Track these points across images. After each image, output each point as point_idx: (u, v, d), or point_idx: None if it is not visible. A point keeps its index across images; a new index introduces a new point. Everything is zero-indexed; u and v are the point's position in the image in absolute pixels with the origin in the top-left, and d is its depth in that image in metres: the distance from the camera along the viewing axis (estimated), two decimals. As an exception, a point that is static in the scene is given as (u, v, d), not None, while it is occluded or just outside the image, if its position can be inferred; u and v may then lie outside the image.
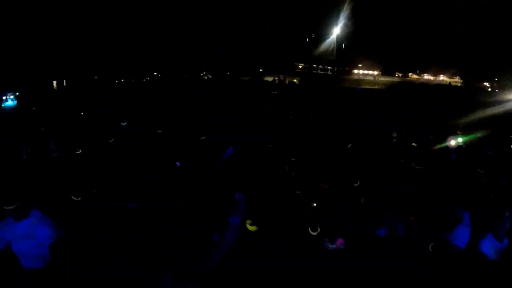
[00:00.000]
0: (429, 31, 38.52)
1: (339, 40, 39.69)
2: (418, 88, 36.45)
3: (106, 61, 31.18)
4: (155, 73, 39.39)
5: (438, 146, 8.67)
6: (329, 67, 44.80)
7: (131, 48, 33.14)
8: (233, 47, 38.93)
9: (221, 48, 38.93)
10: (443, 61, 39.87)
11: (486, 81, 38.69)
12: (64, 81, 28.60)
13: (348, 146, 8.42)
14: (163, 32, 35.75)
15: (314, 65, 45.01)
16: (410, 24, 38.70)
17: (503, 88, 33.73)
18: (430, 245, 4.43)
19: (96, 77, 32.41)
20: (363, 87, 36.86)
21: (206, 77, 43.00)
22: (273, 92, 26.82)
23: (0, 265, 4.38)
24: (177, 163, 6.85)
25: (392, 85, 39.85)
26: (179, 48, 36.76)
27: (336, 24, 38.07)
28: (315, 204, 5.34)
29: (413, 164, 6.97)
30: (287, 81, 38.28)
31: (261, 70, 41.94)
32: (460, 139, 8.69)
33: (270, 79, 39.59)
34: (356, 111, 16.59)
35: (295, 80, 39.85)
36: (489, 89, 37.05)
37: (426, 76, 44.65)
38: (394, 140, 9.27)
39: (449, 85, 40.33)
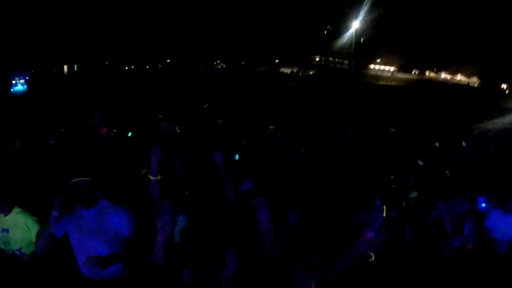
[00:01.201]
0: (449, 28, 37.87)
1: (357, 34, 39.12)
2: (435, 89, 35.89)
3: (117, 47, 30.84)
4: (168, 60, 39.05)
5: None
6: (345, 61, 44.24)
7: (144, 34, 32.83)
8: (249, 36, 38.45)
9: (236, 37, 38.46)
10: (462, 60, 39.24)
11: (505, 83, 37.96)
12: (75, 65, 28.25)
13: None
14: (178, 17, 35.36)
15: (330, 58, 44.46)
16: (430, 20, 38.06)
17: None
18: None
19: (107, 62, 32.08)
20: (380, 83, 36.48)
21: (219, 66, 42.64)
22: (291, 84, 26.54)
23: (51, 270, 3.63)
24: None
25: (410, 83, 39.25)
26: (194, 35, 36.35)
27: (355, 18, 37.49)
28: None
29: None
30: (306, 73, 37.88)
31: (277, 61, 41.47)
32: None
33: (286, 70, 39.18)
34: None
35: (311, 73, 39.41)
36: (507, 92, 36.39)
37: (443, 75, 43.97)
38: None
39: (467, 86, 39.66)
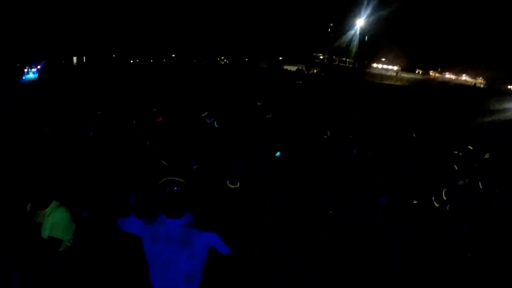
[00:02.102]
0: (454, 28, 37.68)
1: (362, 32, 38.82)
2: (440, 89, 35.68)
3: (125, 40, 30.94)
4: (173, 55, 38.94)
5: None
6: (348, 60, 43.99)
7: (151, 28, 32.80)
8: (252, 33, 38.25)
9: (240, 33, 38.26)
10: (467, 60, 39.10)
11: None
12: (84, 57, 28.41)
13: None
14: (184, 12, 35.28)
15: (334, 57, 44.21)
16: (435, 20, 37.88)
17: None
18: None
19: (114, 55, 32.12)
20: (385, 82, 36.30)
21: (223, 62, 42.49)
22: (297, 82, 26.29)
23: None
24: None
25: (415, 83, 39.04)
26: (200, 30, 36.24)
27: (359, 16, 37.17)
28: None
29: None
30: (310, 71, 37.62)
31: (280, 58, 41.24)
32: None
33: (289, 67, 38.95)
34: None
35: (315, 71, 39.16)
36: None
37: (448, 75, 43.76)
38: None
39: (473, 87, 39.40)
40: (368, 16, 36.43)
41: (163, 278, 2.82)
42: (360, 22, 37.39)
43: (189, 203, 2.77)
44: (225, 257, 2.76)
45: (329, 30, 41.74)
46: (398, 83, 38.62)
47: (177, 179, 2.63)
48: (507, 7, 33.85)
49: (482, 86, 40.01)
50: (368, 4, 35.23)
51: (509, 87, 38.53)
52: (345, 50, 41.29)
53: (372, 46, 40.66)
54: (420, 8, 37.67)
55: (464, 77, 42.86)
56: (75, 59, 27.75)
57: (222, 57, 42.35)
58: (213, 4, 36.50)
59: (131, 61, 34.46)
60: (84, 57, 28.75)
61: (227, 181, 3.38)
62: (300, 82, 25.97)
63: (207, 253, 2.84)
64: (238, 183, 3.36)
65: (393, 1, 35.39)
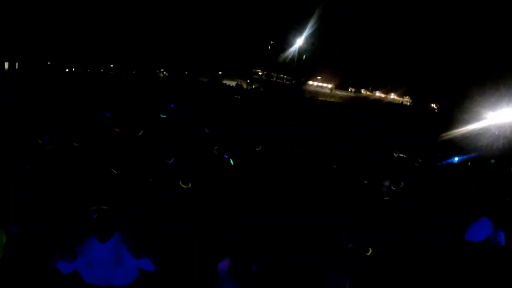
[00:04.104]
0: (383, 50, 40.33)
1: (299, 51, 40.27)
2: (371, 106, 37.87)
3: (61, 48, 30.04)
4: (111, 65, 38.28)
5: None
6: (285, 76, 45.29)
7: (87, 36, 32.14)
8: (193, 46, 38.54)
9: (180, 46, 38.41)
10: (395, 80, 41.92)
11: (434, 103, 40.88)
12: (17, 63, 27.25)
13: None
14: (121, 21, 34.87)
15: (272, 73, 45.35)
16: (365, 42, 40.25)
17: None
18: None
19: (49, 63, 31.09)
20: (319, 99, 37.78)
21: (162, 75, 42.23)
22: (236, 96, 26.85)
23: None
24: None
25: (348, 100, 41.08)
26: (138, 41, 35.97)
27: (298, 35, 38.55)
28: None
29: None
30: (250, 87, 38.45)
31: (220, 73, 41.73)
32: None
33: (229, 82, 39.54)
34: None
35: (254, 86, 40.07)
36: (437, 110, 39.20)
37: (378, 93, 46.41)
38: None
39: (401, 104, 42.22)
40: (306, 36, 37.88)
41: None
42: (299, 41, 38.75)
43: (116, 226, 3.03)
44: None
45: (269, 47, 42.90)
46: (332, 99, 40.37)
47: (103, 207, 2.95)
48: (430, 33, 36.92)
49: (408, 104, 42.89)
50: (306, 24, 36.71)
51: (432, 105, 41.60)
52: (283, 67, 42.62)
53: (309, 64, 42.32)
54: (354, 30, 39.93)
55: (392, 96, 45.65)
56: (7, 64, 26.59)
57: (162, 69, 42.11)
58: (152, 16, 36.41)
59: (67, 70, 33.45)
60: (17, 63, 27.56)
61: (180, 182, 3.64)
62: (239, 97, 26.58)
63: (138, 271, 3.09)
64: (190, 184, 3.67)
65: (330, 23, 37.32)
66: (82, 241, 3.03)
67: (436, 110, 39.40)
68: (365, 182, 6.99)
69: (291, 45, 39.38)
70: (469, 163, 10.91)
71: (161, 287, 3.52)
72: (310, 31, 36.87)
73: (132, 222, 3.57)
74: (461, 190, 7.38)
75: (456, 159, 11.05)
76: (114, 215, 2.97)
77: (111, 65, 38.37)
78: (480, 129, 21.25)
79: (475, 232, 4.88)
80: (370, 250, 4.09)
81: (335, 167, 7.96)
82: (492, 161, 11.04)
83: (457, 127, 20.41)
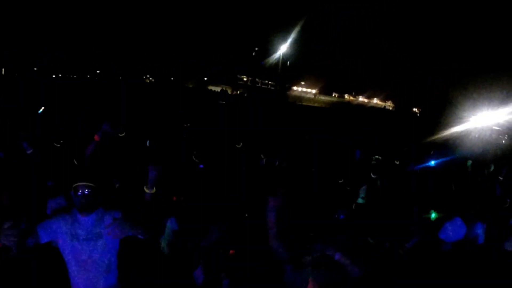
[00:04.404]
0: (366, 57, 41.11)
1: (284, 56, 40.68)
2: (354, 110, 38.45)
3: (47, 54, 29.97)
4: (98, 71, 38.27)
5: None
6: (270, 82, 45.71)
7: (73, 43, 32.13)
8: (179, 53, 38.81)
9: (166, 52, 38.66)
10: (378, 85, 42.75)
11: (416, 107, 41.69)
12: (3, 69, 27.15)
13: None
14: (108, 28, 34.97)
15: (257, 79, 45.72)
16: (350, 48, 40.97)
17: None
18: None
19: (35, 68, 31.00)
20: (304, 104, 38.23)
21: (148, 80, 42.30)
22: (221, 102, 27.09)
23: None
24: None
25: (331, 105, 41.66)
26: (124, 47, 36.08)
27: (283, 41, 38.94)
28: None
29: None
30: (235, 92, 38.74)
31: (205, 78, 41.98)
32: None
33: (214, 88, 39.80)
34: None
35: (239, 92, 40.35)
36: (419, 115, 39.99)
37: (361, 98, 47.11)
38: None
39: (383, 109, 42.96)
40: (291, 42, 38.30)
41: (85, 273, 3.11)
42: (283, 47, 39.13)
43: (98, 201, 3.17)
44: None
45: (253, 53, 43.25)
46: (316, 104, 40.84)
47: (87, 183, 3.09)
48: (412, 39, 37.78)
49: (391, 108, 43.66)
50: (290, 30, 37.17)
51: (414, 109, 42.38)
52: (268, 72, 42.99)
53: (293, 70, 42.82)
54: (337, 36, 40.60)
55: (375, 100, 46.38)
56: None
57: (148, 75, 42.18)
58: (139, 22, 36.57)
59: (53, 76, 33.35)
60: (3, 69, 27.45)
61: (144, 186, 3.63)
62: (224, 102, 26.82)
63: (119, 243, 3.20)
64: (154, 188, 3.60)
65: (314, 29, 37.95)
66: (66, 214, 3.20)
67: (417, 114, 40.15)
68: (340, 182, 7.17)
69: (275, 51, 39.79)
70: (447, 166, 11.20)
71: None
72: (294, 37, 37.38)
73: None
74: (438, 191, 7.58)
75: (433, 162, 11.31)
76: (96, 193, 3.13)
77: (97, 71, 38.35)
78: (460, 132, 21.77)
79: (449, 230, 5.02)
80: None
81: (313, 170, 8.14)
82: (469, 163, 11.32)
83: (437, 131, 20.85)
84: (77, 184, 3.08)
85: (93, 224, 3.15)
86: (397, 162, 10.08)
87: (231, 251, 4.52)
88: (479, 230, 5.14)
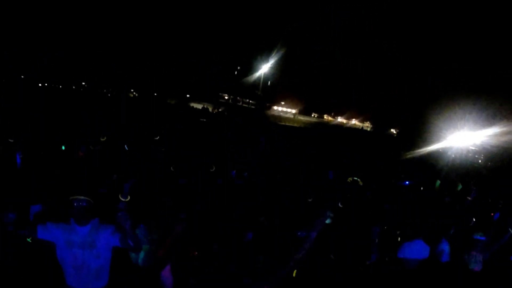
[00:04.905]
0: (344, 80, 42.27)
1: (265, 76, 41.32)
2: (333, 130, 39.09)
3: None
4: (84, 83, 38.26)
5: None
6: (251, 101, 46.29)
7: (61, 53, 32.12)
8: (162, 68, 39.15)
9: (150, 68, 38.95)
10: (356, 106, 43.82)
11: (393, 128, 42.69)
12: None
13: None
14: (95, 41, 35.11)
15: (238, 97, 46.25)
16: (328, 69, 42.04)
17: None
18: None
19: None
20: (283, 123, 38.69)
21: (132, 95, 42.38)
22: (201, 119, 27.28)
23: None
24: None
25: (311, 125, 42.31)
26: (110, 61, 36.23)
27: (264, 61, 39.57)
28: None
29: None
30: (216, 110, 39.03)
31: (187, 95, 42.29)
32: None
33: (195, 105, 40.10)
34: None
35: (220, 110, 40.68)
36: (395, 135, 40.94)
37: (340, 119, 48.04)
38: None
39: (361, 129, 43.86)
40: (272, 62, 38.99)
41: (78, 277, 3.47)
42: (265, 68, 39.74)
43: (93, 213, 3.49)
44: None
45: (235, 72, 43.86)
46: (295, 124, 41.41)
47: (82, 197, 3.40)
48: (389, 60, 39.06)
49: (368, 129, 44.61)
50: (272, 51, 37.92)
51: (392, 130, 43.40)
52: (249, 92, 43.56)
53: (274, 90, 43.54)
54: (316, 59, 41.65)
55: (353, 121, 47.37)
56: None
57: (132, 90, 42.30)
58: (125, 38, 36.85)
59: (39, 85, 33.13)
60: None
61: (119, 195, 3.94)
62: (205, 120, 27.03)
63: (111, 252, 3.58)
64: (129, 197, 3.93)
65: (294, 51, 38.84)
66: (63, 223, 3.51)
67: (395, 135, 41.06)
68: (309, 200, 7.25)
69: (256, 70, 40.41)
70: (416, 185, 11.48)
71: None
72: (275, 58, 38.14)
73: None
74: (404, 210, 7.84)
75: (407, 182, 11.59)
76: (91, 206, 3.46)
77: (83, 83, 38.33)
78: (435, 151, 22.40)
79: (409, 250, 5.22)
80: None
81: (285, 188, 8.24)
82: (438, 182, 11.56)
83: (412, 150, 21.42)
84: (74, 197, 3.40)
85: (88, 234, 3.49)
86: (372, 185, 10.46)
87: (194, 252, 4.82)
88: (444, 247, 5.47)
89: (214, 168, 8.10)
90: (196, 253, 4.82)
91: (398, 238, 5.78)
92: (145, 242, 4.13)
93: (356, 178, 10.35)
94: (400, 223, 6.33)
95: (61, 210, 3.70)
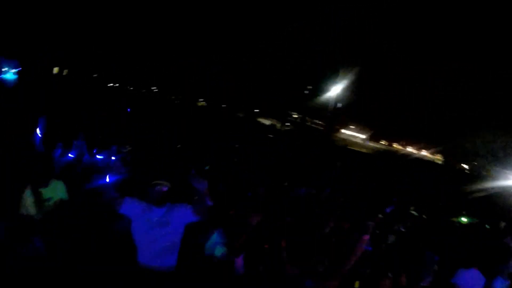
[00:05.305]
0: (421, 108, 40.68)
1: (336, 98, 40.66)
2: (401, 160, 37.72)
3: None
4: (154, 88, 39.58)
5: None
6: (319, 122, 45.69)
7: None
8: (234, 81, 39.67)
9: (222, 79, 39.61)
10: (428, 138, 41.94)
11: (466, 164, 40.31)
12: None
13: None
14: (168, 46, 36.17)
15: (307, 117, 45.84)
16: (402, 97, 40.69)
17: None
18: None
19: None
20: (352, 148, 37.96)
21: (200, 104, 43.38)
22: (269, 136, 27.35)
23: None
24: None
25: (379, 152, 41.12)
26: (183, 69, 37.20)
27: (336, 82, 38.99)
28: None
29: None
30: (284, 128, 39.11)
31: (256, 110, 42.61)
32: None
33: (263, 121, 40.30)
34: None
35: (287, 128, 40.68)
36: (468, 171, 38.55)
37: (410, 149, 46.28)
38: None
39: (431, 162, 41.94)
40: (344, 84, 38.36)
41: (152, 252, 3.75)
42: (336, 89, 39.16)
43: (170, 196, 3.92)
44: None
45: (306, 91, 43.58)
46: (364, 150, 40.43)
47: (164, 182, 3.86)
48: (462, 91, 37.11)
49: (440, 162, 42.47)
50: (346, 74, 37.36)
51: (464, 166, 40.96)
52: (318, 112, 43.07)
53: (344, 112, 42.73)
54: (390, 86, 40.55)
55: (423, 152, 45.45)
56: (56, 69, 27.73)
57: (201, 99, 43.34)
58: (198, 48, 37.74)
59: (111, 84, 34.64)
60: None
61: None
62: (272, 136, 27.05)
63: (183, 229, 3.90)
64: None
65: (369, 76, 38.06)
66: (142, 202, 3.89)
67: (466, 171, 38.69)
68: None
69: (328, 91, 39.88)
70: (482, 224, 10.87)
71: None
72: (348, 79, 37.50)
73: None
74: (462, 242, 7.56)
75: (465, 219, 11.05)
76: (171, 190, 3.91)
77: (153, 88, 39.55)
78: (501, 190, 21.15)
79: (464, 278, 5.07)
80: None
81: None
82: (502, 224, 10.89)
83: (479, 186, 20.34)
84: (156, 181, 3.85)
85: (165, 213, 3.86)
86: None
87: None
88: (502, 284, 5.10)
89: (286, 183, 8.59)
90: (267, 246, 4.97)
91: (453, 265, 5.55)
92: (221, 246, 4.34)
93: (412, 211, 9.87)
94: (458, 252, 6.28)
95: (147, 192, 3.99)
